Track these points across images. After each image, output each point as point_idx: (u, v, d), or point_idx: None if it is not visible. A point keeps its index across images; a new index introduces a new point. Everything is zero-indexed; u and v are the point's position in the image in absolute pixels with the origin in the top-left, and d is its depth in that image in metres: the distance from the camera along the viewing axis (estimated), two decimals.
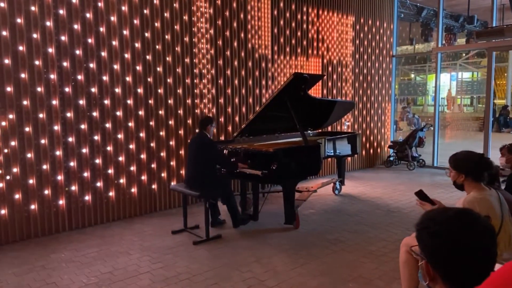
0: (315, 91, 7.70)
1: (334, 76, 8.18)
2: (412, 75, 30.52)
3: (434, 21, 12.14)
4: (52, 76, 4.69)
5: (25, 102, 4.51)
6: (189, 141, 5.30)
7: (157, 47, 5.55)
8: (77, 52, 4.85)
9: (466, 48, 12.82)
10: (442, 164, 8.68)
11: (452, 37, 9.20)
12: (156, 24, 5.52)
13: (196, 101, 6.03)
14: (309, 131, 6.59)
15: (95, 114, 5.05)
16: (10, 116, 4.43)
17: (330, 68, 8.06)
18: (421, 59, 27.01)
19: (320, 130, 6.94)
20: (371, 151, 9.25)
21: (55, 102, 4.72)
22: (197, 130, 5.59)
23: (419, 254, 1.24)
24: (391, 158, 9.25)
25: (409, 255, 2.84)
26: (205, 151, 4.66)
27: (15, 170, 4.49)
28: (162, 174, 5.75)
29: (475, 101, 27.50)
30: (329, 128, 7.66)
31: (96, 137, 5.08)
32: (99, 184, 5.15)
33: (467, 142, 13.76)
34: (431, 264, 1.18)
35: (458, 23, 12.33)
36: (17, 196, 4.53)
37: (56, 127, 4.75)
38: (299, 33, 7.41)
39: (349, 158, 8.36)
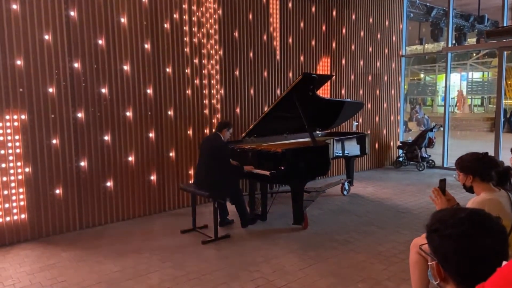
0: (324, 92, 7.68)
1: (342, 76, 8.16)
2: (422, 75, 30.35)
3: (444, 21, 12.05)
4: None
5: (36, 103, 4.58)
6: (200, 141, 5.33)
7: (164, 49, 5.59)
8: (87, 54, 4.91)
9: (477, 47, 12.71)
10: (452, 165, 8.56)
11: (462, 37, 9.13)
12: (165, 25, 5.55)
13: (204, 101, 6.05)
14: (317, 132, 6.58)
15: (104, 113, 5.10)
16: (23, 117, 4.49)
17: (339, 68, 8.04)
18: (430, 59, 26.83)
19: (328, 131, 6.92)
20: (380, 151, 9.20)
21: (66, 102, 4.78)
22: (213, 130, 5.60)
23: (429, 254, 1.24)
24: (400, 159, 9.20)
25: (420, 256, 2.83)
26: (216, 152, 4.68)
27: (27, 170, 4.56)
28: (172, 174, 5.78)
29: (485, 101, 27.24)
30: (338, 129, 7.64)
31: (106, 137, 5.13)
32: (109, 183, 5.20)
33: (477, 143, 13.62)
34: (442, 265, 1.18)
35: (469, 23, 12.24)
36: (28, 195, 4.59)
37: (67, 126, 4.81)
38: (308, 33, 7.41)
39: (357, 158, 8.31)
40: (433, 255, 1.21)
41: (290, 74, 7.16)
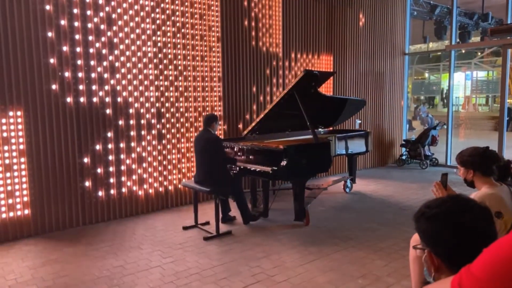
0: (326, 89, 7.68)
1: (345, 73, 8.15)
2: (426, 75, 30.25)
3: (448, 19, 11.99)
4: (66, 74, 4.78)
5: (39, 99, 4.61)
6: (193, 139, 5.34)
7: (168, 50, 5.61)
8: (91, 50, 4.94)
9: (480, 45, 12.64)
10: (456, 163, 8.55)
11: (466, 35, 9.08)
12: (168, 26, 5.57)
13: (206, 99, 6.07)
14: (320, 129, 6.58)
15: (108, 111, 5.13)
16: (26, 113, 4.52)
17: (342, 66, 8.03)
18: (435, 58, 26.72)
19: (331, 128, 6.92)
20: (383, 150, 9.18)
21: (69, 99, 4.80)
22: (201, 128, 5.63)
23: (422, 247, 1.25)
24: (404, 157, 9.18)
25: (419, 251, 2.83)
26: (211, 148, 4.69)
27: (30, 166, 4.59)
28: (174, 171, 5.80)
29: (490, 100, 27.11)
30: (340, 127, 7.62)
31: (109, 134, 5.16)
32: (112, 180, 5.22)
33: (481, 142, 13.55)
34: (433, 251, 1.19)
35: (473, 21, 12.16)
36: (32, 191, 4.62)
37: (70, 123, 4.84)
38: (310, 31, 7.40)
39: (360, 156, 8.30)
40: (423, 242, 1.22)
41: (293, 72, 7.16)
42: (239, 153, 5.25)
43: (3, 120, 4.39)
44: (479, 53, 24.99)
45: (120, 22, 5.15)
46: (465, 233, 1.13)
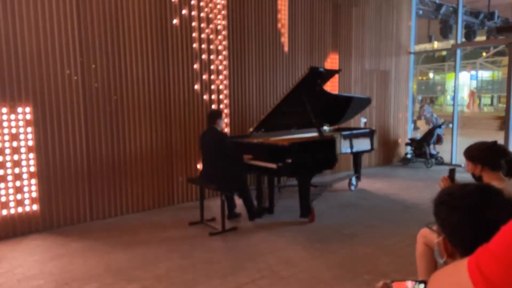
0: (332, 87, 7.69)
1: (351, 72, 8.15)
2: (431, 75, 30.17)
3: (454, 18, 11.95)
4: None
5: (48, 96, 4.65)
6: (199, 136, 5.36)
7: (173, 44, 5.64)
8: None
9: (486, 44, 12.58)
10: (461, 162, 8.55)
11: (471, 34, 9.05)
12: (174, 21, 5.60)
13: (213, 96, 6.10)
14: (325, 127, 6.59)
15: (115, 107, 5.16)
16: (35, 109, 4.57)
17: (347, 64, 8.03)
18: (440, 58, 26.65)
19: (336, 126, 6.93)
20: (388, 148, 9.17)
21: (77, 96, 4.85)
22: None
23: (436, 230, 1.23)
24: (409, 156, 9.17)
25: (426, 247, 2.83)
26: (218, 145, 4.71)
27: (39, 161, 4.63)
28: (180, 168, 5.83)
29: (495, 100, 27.00)
30: (346, 125, 7.63)
31: (116, 131, 5.19)
32: (119, 176, 5.26)
33: (488, 140, 13.47)
34: (449, 239, 1.16)
35: (478, 20, 12.10)
36: (40, 186, 4.67)
37: (78, 119, 4.88)
38: (316, 29, 7.41)
39: (365, 155, 8.29)
40: (440, 228, 1.20)
41: (298, 71, 7.17)
42: (245, 150, 5.27)
43: (12, 116, 4.44)
44: (484, 53, 24.90)
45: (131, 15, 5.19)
46: (485, 228, 1.06)
